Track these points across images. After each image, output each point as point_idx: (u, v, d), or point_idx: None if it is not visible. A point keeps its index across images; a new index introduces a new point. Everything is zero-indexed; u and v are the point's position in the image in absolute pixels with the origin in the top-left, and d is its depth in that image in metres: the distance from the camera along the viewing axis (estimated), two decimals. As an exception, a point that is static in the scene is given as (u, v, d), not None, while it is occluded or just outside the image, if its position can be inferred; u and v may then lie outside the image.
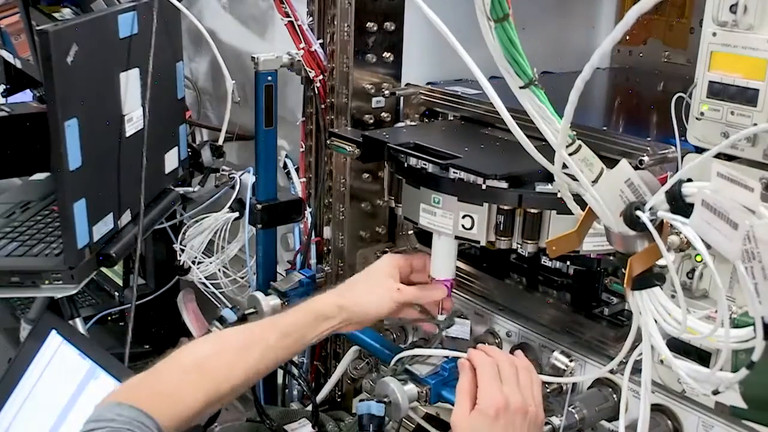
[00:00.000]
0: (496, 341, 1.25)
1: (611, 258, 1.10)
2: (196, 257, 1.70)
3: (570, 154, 0.81)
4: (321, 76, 1.49)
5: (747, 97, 0.86)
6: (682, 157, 1.00)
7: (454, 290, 1.27)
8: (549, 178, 1.03)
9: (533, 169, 1.04)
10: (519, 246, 1.10)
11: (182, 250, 1.70)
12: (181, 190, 1.70)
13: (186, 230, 1.71)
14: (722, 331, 0.73)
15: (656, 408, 1.05)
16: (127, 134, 1.44)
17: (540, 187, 1.07)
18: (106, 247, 1.39)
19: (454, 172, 1.10)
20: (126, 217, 1.47)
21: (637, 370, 0.87)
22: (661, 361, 0.98)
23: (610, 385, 1.10)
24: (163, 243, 1.88)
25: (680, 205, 0.73)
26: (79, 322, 1.53)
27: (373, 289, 1.17)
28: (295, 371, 1.51)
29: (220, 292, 1.72)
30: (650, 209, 0.76)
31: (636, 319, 0.83)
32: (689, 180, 0.74)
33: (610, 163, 0.82)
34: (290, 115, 1.66)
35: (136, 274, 1.53)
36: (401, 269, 1.19)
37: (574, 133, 0.81)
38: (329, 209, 1.54)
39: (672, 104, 0.96)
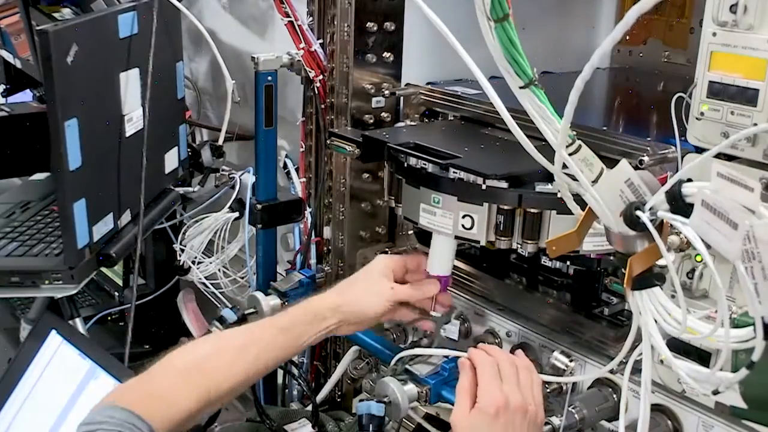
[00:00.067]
0: (496, 341, 1.25)
1: (611, 258, 1.09)
2: (196, 257, 1.70)
3: (570, 154, 0.81)
4: (321, 76, 1.49)
5: (747, 97, 0.86)
6: (682, 157, 1.00)
7: (454, 290, 1.28)
8: (549, 178, 1.03)
9: (533, 169, 1.04)
10: (519, 246, 1.10)
11: (182, 250, 1.70)
12: (181, 190, 1.70)
13: (186, 230, 1.71)
14: (722, 331, 0.73)
15: (656, 408, 1.04)
16: (127, 134, 1.44)
17: (540, 187, 1.07)
18: (106, 247, 1.39)
19: (454, 172, 1.10)
20: (126, 217, 1.47)
21: (637, 370, 0.87)
22: (661, 361, 0.97)
23: (610, 385, 1.10)
24: (163, 243, 1.88)
25: (680, 205, 0.73)
26: (79, 322, 1.53)
27: (369, 289, 1.17)
28: (295, 371, 1.51)
29: (220, 292, 1.72)
30: (650, 209, 0.76)
31: (636, 319, 0.83)
32: (689, 180, 0.74)
33: (610, 163, 0.82)
34: (290, 115, 1.66)
35: (136, 274, 1.53)
36: (395, 269, 1.19)
37: (574, 133, 0.81)
38: (329, 209, 1.54)
39: (672, 104, 0.96)
